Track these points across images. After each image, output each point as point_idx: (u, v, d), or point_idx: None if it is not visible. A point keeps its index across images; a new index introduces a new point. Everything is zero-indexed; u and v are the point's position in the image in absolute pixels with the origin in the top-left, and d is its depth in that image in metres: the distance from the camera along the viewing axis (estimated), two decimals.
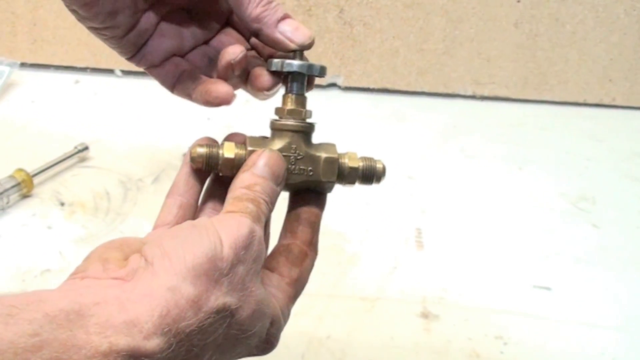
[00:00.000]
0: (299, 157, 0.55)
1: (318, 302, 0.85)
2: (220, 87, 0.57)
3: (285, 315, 0.52)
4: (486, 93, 1.39)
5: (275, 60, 0.56)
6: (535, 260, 0.96)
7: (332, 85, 1.37)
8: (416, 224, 1.01)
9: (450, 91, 1.39)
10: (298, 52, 0.56)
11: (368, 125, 1.27)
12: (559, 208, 1.08)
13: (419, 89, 1.38)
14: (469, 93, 1.39)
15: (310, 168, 0.55)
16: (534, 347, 0.82)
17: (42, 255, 0.89)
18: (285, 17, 0.55)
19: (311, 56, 0.58)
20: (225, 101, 0.57)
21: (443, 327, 0.84)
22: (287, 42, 0.55)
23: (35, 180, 0.99)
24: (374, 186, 0.59)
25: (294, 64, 0.55)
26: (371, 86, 1.38)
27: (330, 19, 1.33)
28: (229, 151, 0.54)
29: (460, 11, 1.34)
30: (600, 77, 1.38)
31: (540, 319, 0.86)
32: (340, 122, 1.25)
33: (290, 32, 0.55)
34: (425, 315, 0.85)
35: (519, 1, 1.34)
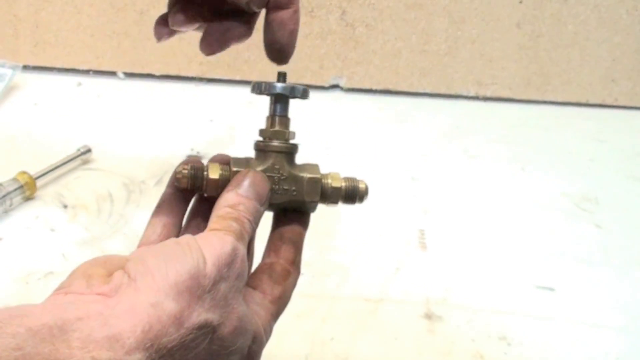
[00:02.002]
0: (282, 178, 0.56)
1: (321, 304, 0.85)
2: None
3: (267, 333, 0.53)
4: (489, 94, 1.39)
5: (259, 82, 0.57)
6: (538, 260, 0.96)
7: (335, 86, 1.37)
8: (419, 224, 1.01)
9: (452, 92, 1.39)
10: (282, 74, 0.57)
11: (371, 127, 1.27)
12: (562, 208, 1.08)
13: (421, 90, 1.38)
14: (472, 94, 1.39)
15: (293, 188, 0.56)
16: (538, 348, 0.82)
17: (46, 257, 0.89)
18: None
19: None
20: None
21: (446, 328, 0.84)
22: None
23: (38, 182, 0.99)
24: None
25: (277, 86, 0.56)
26: (374, 87, 1.38)
27: (333, 20, 1.33)
28: (214, 172, 0.55)
29: (462, 12, 1.34)
30: (602, 77, 1.38)
31: (543, 320, 0.86)
32: (342, 123, 1.25)
33: None
34: (428, 317, 0.85)
35: (521, 2, 1.34)
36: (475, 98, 1.39)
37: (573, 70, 1.38)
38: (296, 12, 0.58)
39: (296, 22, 0.58)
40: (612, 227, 1.04)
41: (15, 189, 0.96)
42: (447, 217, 1.04)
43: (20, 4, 1.33)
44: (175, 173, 0.55)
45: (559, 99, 1.39)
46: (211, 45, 0.61)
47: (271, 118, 0.58)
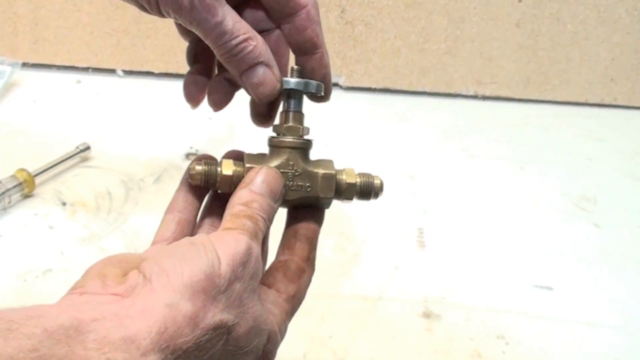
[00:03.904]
0: (296, 174, 0.55)
1: (320, 302, 0.85)
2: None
3: (282, 331, 0.52)
4: (488, 93, 1.39)
5: None
6: (536, 259, 0.96)
7: (334, 85, 1.36)
8: (418, 223, 1.01)
9: (452, 91, 1.39)
10: (295, 69, 0.57)
11: (370, 125, 1.27)
12: (561, 208, 1.08)
13: (420, 89, 1.38)
14: (471, 93, 1.39)
15: (308, 184, 0.56)
16: (536, 347, 0.82)
17: (44, 255, 0.89)
18: (254, 65, 0.54)
19: None
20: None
21: (445, 327, 0.84)
22: (250, 91, 0.55)
23: (37, 180, 0.99)
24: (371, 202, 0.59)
25: (291, 81, 0.56)
26: (373, 86, 1.38)
27: (332, 18, 1.33)
28: (227, 168, 0.54)
29: (462, 11, 1.34)
30: (602, 76, 1.38)
31: (542, 319, 0.86)
32: (342, 122, 1.25)
33: (253, 85, 0.54)
34: (427, 315, 0.85)
35: (520, 1, 1.34)
36: (475, 97, 1.39)
37: (572, 69, 1.38)
38: (323, 55, 0.57)
39: (326, 66, 0.57)
40: (611, 226, 1.04)
41: (14, 186, 0.96)
42: (445, 216, 1.04)
43: (19, 1, 1.33)
44: (189, 170, 0.55)
45: (558, 98, 1.39)
46: (220, 102, 0.60)
47: (285, 114, 0.57)
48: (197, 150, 1.12)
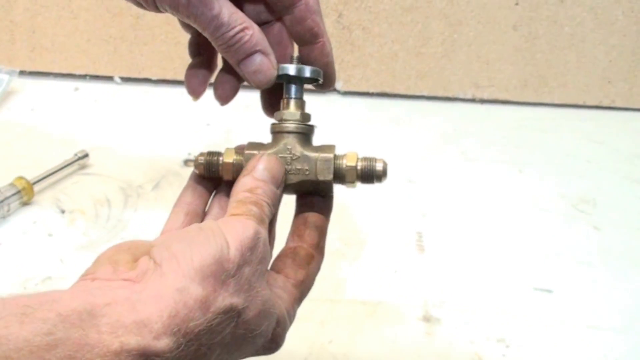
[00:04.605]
0: (294, 158, 0.56)
1: (320, 307, 0.85)
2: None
3: (291, 316, 0.53)
4: (486, 96, 1.39)
5: None
6: (536, 262, 0.96)
7: (331, 89, 1.37)
8: (417, 227, 1.01)
9: (449, 94, 1.39)
10: (294, 57, 0.58)
11: (367, 130, 1.27)
12: (560, 210, 1.08)
13: (418, 93, 1.38)
14: (469, 96, 1.39)
15: (306, 168, 0.57)
16: (536, 350, 0.82)
17: (43, 262, 0.89)
18: (251, 53, 0.55)
19: None
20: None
21: (445, 331, 0.84)
22: (248, 79, 0.56)
23: (36, 187, 0.99)
24: (376, 186, 0.59)
25: (290, 68, 0.57)
26: (370, 90, 1.38)
27: (329, 23, 1.33)
28: (228, 156, 0.57)
29: (459, 14, 1.35)
30: (599, 79, 1.38)
31: (541, 322, 0.86)
32: (339, 126, 1.25)
33: (251, 73, 0.56)
34: (426, 319, 0.85)
35: (517, 4, 1.34)
36: (472, 100, 1.39)
37: (570, 72, 1.38)
38: (324, 44, 0.59)
39: (328, 54, 0.60)
40: (610, 228, 1.04)
41: (13, 194, 0.96)
42: (444, 220, 1.04)
43: (16, 9, 1.33)
44: (194, 160, 0.58)
45: (556, 101, 1.39)
46: (226, 96, 0.60)
47: (285, 100, 0.58)
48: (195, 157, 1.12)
